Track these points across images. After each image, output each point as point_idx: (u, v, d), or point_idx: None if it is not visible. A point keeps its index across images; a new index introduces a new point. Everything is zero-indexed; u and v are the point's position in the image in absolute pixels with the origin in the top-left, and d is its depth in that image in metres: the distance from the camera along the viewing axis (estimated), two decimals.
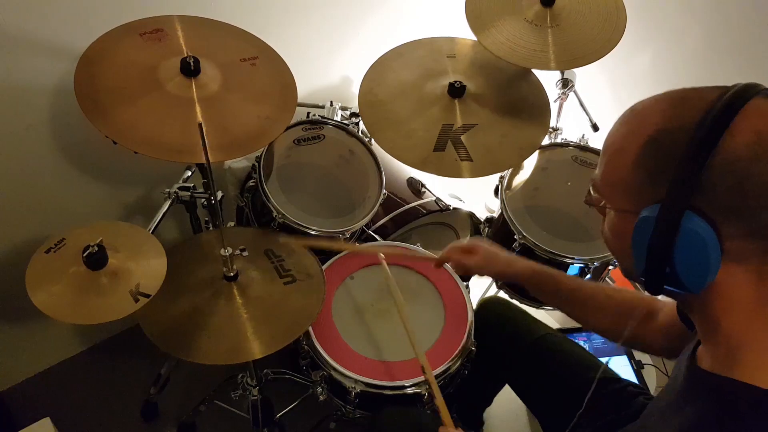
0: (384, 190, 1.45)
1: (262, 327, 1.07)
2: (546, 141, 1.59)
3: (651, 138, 0.61)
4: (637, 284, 2.01)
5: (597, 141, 1.61)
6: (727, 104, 0.57)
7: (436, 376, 1.18)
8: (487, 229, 1.67)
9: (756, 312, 0.61)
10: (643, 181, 0.62)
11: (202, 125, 0.86)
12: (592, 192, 0.73)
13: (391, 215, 1.57)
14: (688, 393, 0.67)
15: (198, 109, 1.12)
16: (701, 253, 0.58)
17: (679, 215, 0.58)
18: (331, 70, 1.81)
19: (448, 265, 1.39)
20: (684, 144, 0.57)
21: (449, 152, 1.30)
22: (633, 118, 0.66)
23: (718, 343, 0.64)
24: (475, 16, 1.38)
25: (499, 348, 1.27)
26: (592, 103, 1.68)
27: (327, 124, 1.49)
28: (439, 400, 1.04)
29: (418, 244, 1.44)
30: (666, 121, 0.61)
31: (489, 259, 1.16)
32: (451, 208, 1.60)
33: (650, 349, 1.07)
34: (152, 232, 1.20)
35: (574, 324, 1.78)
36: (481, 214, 1.68)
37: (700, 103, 0.59)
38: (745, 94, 0.58)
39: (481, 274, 1.19)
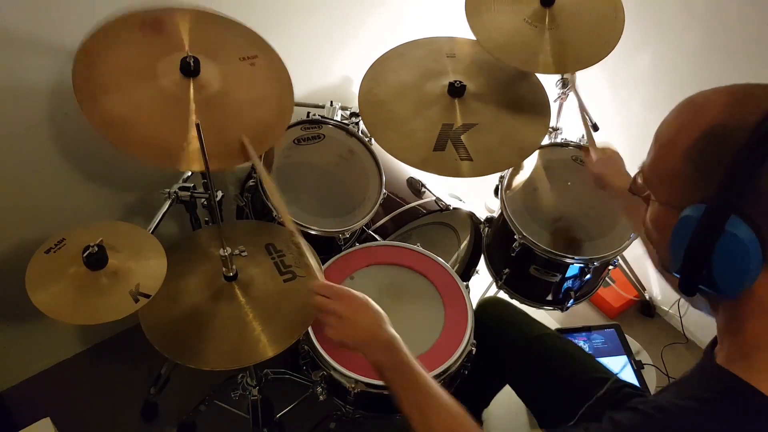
0: (384, 190, 1.45)
1: (267, 327, 1.06)
2: (546, 141, 1.59)
3: (706, 132, 0.59)
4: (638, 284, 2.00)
5: (596, 141, 1.61)
6: None
7: (436, 376, 1.18)
8: (487, 229, 1.68)
9: None
10: (691, 177, 0.61)
11: (200, 126, 0.85)
12: (638, 179, 0.71)
13: (391, 215, 1.56)
14: (695, 380, 0.68)
15: (195, 111, 1.10)
16: (742, 259, 0.57)
17: (724, 219, 0.57)
18: (331, 70, 1.81)
19: (448, 265, 1.40)
20: (740, 143, 0.56)
21: (449, 152, 1.30)
22: (690, 109, 0.64)
23: (736, 342, 0.64)
24: (474, 15, 1.38)
25: (497, 348, 1.28)
26: (592, 103, 1.68)
27: (327, 123, 1.49)
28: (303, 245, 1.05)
29: (418, 244, 1.44)
30: (725, 117, 0.59)
31: (609, 160, 1.28)
32: (451, 208, 1.60)
33: None
34: (152, 232, 1.20)
35: (573, 324, 1.79)
36: (481, 214, 1.69)
37: (762, 102, 0.57)
38: None
39: (595, 170, 1.29)
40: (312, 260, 1.05)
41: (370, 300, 0.95)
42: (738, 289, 0.60)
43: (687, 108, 0.64)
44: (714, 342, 0.70)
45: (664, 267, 0.71)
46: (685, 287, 0.64)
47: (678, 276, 0.64)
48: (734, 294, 0.61)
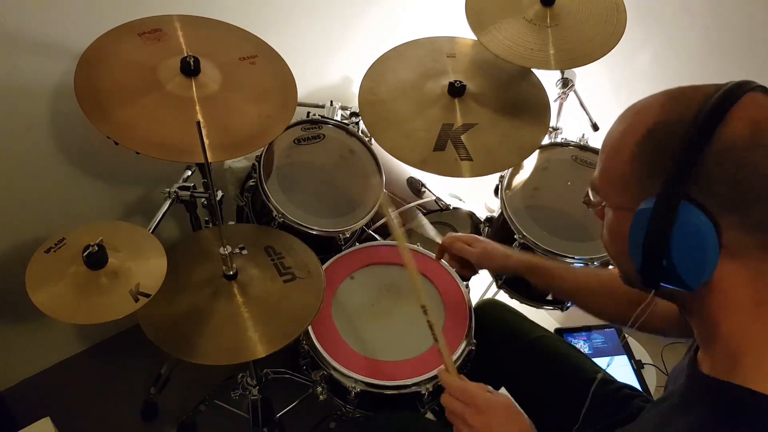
0: (384, 190, 1.45)
1: (263, 326, 1.07)
2: (546, 141, 1.59)
3: (648, 131, 0.62)
4: None
5: (597, 141, 1.61)
6: (722, 96, 0.58)
7: (436, 376, 1.18)
8: (487, 228, 1.67)
9: (755, 313, 0.60)
10: (640, 175, 0.63)
11: (201, 124, 0.86)
12: (590, 194, 0.73)
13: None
14: (689, 397, 0.66)
15: (198, 108, 1.13)
16: (699, 244, 0.58)
17: (675, 205, 0.58)
18: (331, 69, 1.81)
19: (448, 265, 1.39)
20: (680, 136, 0.58)
21: (449, 152, 1.30)
22: (630, 115, 0.66)
23: (717, 347, 0.63)
24: (475, 15, 1.38)
25: (494, 351, 1.27)
26: (592, 103, 1.68)
27: (327, 123, 1.49)
28: (441, 343, 0.96)
29: (419, 244, 1.44)
30: (663, 115, 0.62)
31: (487, 252, 1.21)
32: (451, 207, 1.60)
33: (646, 329, 1.06)
34: (152, 232, 1.20)
35: (573, 324, 1.79)
36: (481, 214, 1.68)
37: (696, 96, 0.60)
38: (740, 88, 0.59)
39: (479, 267, 1.24)
40: (445, 350, 0.97)
41: (513, 404, 0.90)
42: (700, 278, 0.60)
43: (628, 114, 0.67)
44: (694, 355, 0.69)
45: (627, 279, 0.71)
46: (648, 282, 0.65)
47: (640, 276, 0.65)
48: (697, 284, 0.61)
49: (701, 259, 0.59)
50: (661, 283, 0.63)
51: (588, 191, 0.74)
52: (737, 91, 0.59)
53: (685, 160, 0.57)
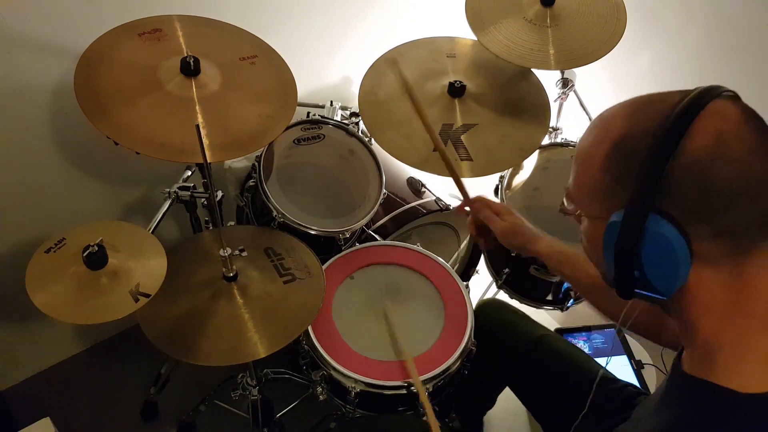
0: (384, 190, 1.45)
1: (263, 327, 1.07)
2: (546, 141, 1.59)
3: (616, 142, 0.62)
4: None
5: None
6: (687, 107, 0.58)
7: (436, 376, 1.18)
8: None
9: (729, 314, 0.61)
10: (610, 186, 0.63)
11: (200, 127, 0.86)
12: (565, 201, 0.74)
13: (391, 215, 1.56)
14: (669, 395, 0.68)
15: (198, 108, 1.13)
16: (669, 255, 0.59)
17: (643, 218, 0.59)
18: (330, 70, 1.81)
19: (448, 265, 1.40)
20: (646, 147, 0.58)
21: (449, 152, 1.30)
22: (600, 124, 0.67)
23: (695, 346, 0.64)
24: (475, 15, 1.38)
25: (497, 350, 1.27)
26: (592, 103, 1.68)
27: (327, 123, 1.49)
28: (428, 409, 1.04)
29: (418, 244, 1.44)
30: (630, 126, 0.62)
31: (515, 228, 1.09)
32: (451, 207, 1.60)
33: (639, 331, 1.07)
34: (152, 232, 1.20)
35: (573, 324, 1.79)
36: None
37: (662, 106, 0.60)
38: (705, 96, 0.59)
39: (501, 241, 1.10)
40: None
41: None
42: (672, 286, 0.61)
43: (596, 124, 0.67)
44: (680, 354, 0.70)
45: (608, 282, 0.71)
46: (622, 291, 0.65)
47: (614, 285, 0.65)
48: (671, 292, 0.61)
49: (672, 269, 0.59)
50: (636, 290, 0.64)
51: (563, 199, 0.74)
52: (702, 99, 0.58)
53: (652, 172, 0.58)
